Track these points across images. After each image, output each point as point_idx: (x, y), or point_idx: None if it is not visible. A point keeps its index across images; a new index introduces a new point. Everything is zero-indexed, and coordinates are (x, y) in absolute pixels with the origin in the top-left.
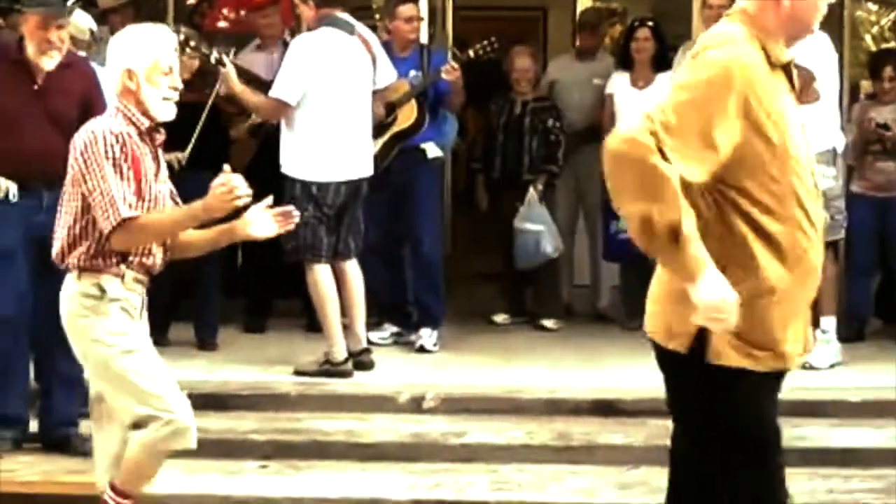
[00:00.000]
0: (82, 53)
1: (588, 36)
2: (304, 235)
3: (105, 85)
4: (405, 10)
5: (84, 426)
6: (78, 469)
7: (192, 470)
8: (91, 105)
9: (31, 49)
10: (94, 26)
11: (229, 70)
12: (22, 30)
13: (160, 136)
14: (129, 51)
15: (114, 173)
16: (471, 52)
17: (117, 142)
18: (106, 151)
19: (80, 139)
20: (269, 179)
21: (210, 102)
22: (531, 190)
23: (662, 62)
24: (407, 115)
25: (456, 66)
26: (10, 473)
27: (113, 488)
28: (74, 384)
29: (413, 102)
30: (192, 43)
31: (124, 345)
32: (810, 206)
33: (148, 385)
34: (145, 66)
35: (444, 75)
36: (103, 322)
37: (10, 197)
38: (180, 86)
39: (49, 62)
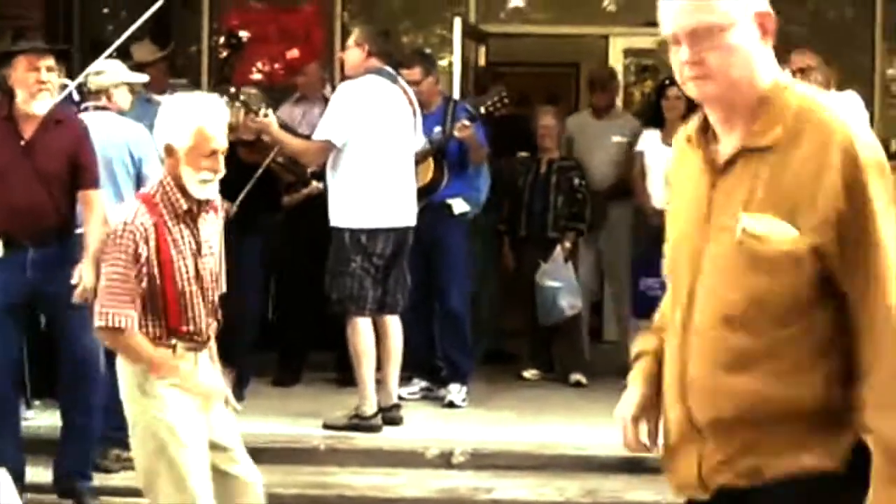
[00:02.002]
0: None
1: (600, 94)
2: (351, 287)
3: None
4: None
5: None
6: None
7: None
8: (78, 164)
9: (21, 96)
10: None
11: (270, 119)
12: (11, 81)
13: (205, 209)
14: (171, 127)
15: (117, 278)
16: (482, 109)
17: (139, 238)
18: (120, 250)
19: (113, 224)
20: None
21: (265, 164)
22: (558, 247)
23: None
24: (424, 173)
25: (468, 123)
26: None
27: None
28: (87, 436)
29: (430, 160)
30: (253, 106)
31: (167, 436)
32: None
33: (178, 486)
34: (185, 146)
35: (455, 133)
36: (152, 404)
37: None
38: (221, 170)
39: (40, 106)
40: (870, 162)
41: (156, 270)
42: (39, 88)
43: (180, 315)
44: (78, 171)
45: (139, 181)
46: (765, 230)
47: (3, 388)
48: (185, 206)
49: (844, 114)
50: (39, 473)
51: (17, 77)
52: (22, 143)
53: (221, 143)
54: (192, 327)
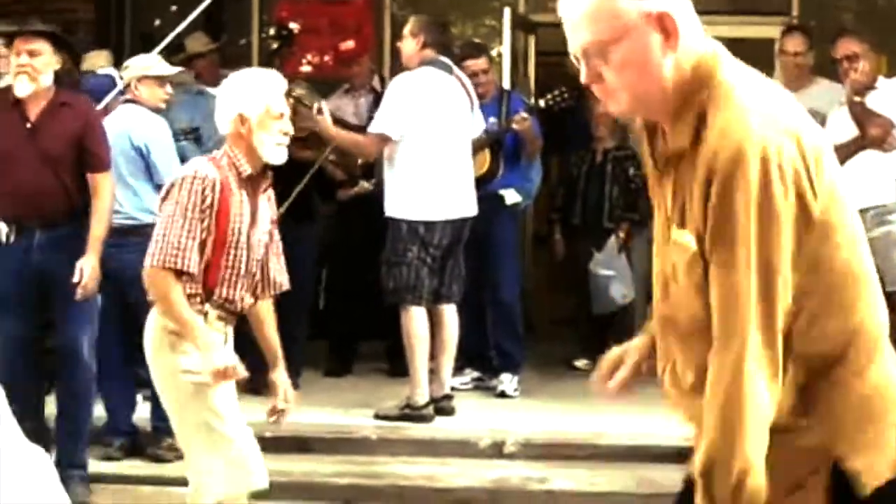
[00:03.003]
0: None
1: None
2: (407, 277)
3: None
4: (469, 64)
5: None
6: None
7: None
8: (85, 146)
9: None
10: None
11: (325, 117)
12: None
13: (265, 183)
14: (241, 96)
15: (183, 216)
16: (542, 102)
17: (206, 185)
18: (190, 192)
19: (175, 175)
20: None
21: (319, 162)
22: (612, 237)
23: None
24: (480, 164)
25: (526, 115)
26: None
27: None
28: (75, 425)
29: (486, 151)
30: (306, 102)
31: (199, 380)
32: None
33: (217, 421)
34: (258, 111)
35: (514, 125)
36: (181, 359)
37: (6, 238)
38: (291, 130)
39: (20, 89)
40: (741, 163)
41: (212, 226)
42: (18, 72)
43: (221, 278)
44: (84, 155)
45: (150, 170)
46: (683, 240)
47: (19, 373)
48: (248, 171)
49: (748, 106)
50: (92, 464)
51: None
52: (28, 125)
53: (286, 106)
54: (228, 293)
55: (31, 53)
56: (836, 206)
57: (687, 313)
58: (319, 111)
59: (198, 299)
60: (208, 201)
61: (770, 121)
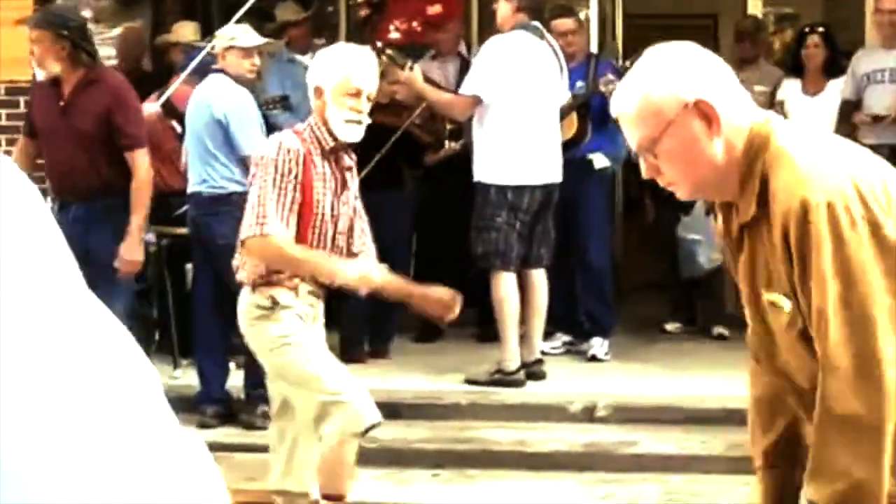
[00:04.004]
0: None
1: (747, 45)
2: (496, 241)
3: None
4: (559, 24)
5: None
6: None
7: (363, 478)
8: (114, 123)
9: None
10: None
11: (416, 74)
12: None
13: (348, 158)
14: (321, 69)
15: (273, 186)
16: (628, 63)
17: (290, 157)
18: (276, 164)
19: (261, 148)
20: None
21: (404, 127)
22: (699, 201)
23: (834, 68)
24: (568, 127)
25: (613, 78)
26: None
27: (325, 496)
28: None
29: (574, 114)
30: (398, 61)
31: (295, 341)
32: None
33: (321, 372)
34: (332, 85)
35: (601, 87)
36: (274, 327)
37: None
38: (365, 109)
39: (37, 72)
40: (809, 215)
41: (298, 197)
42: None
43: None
44: (115, 129)
45: (231, 143)
46: (777, 302)
47: None
48: (331, 143)
49: (803, 161)
50: None
51: None
52: (61, 104)
53: (367, 85)
54: None
55: (33, 41)
56: None
57: (799, 366)
58: (411, 68)
59: (287, 274)
60: (293, 173)
61: (825, 170)
